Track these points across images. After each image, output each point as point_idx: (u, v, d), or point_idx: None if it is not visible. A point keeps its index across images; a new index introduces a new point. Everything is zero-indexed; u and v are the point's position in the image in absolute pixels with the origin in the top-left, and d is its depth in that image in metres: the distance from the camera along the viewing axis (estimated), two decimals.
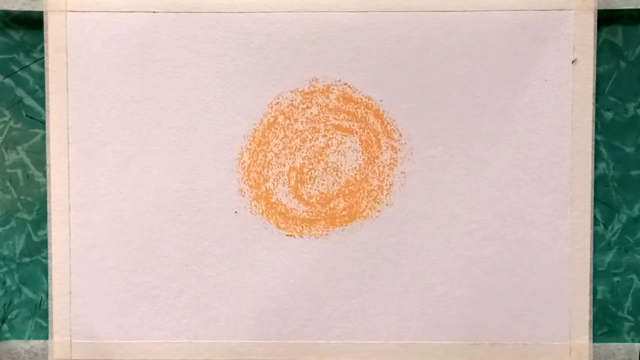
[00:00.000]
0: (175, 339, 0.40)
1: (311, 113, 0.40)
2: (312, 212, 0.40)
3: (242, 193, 0.40)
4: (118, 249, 0.40)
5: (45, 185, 0.41)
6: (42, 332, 0.41)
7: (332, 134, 0.40)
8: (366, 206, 0.40)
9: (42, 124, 0.41)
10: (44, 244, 0.41)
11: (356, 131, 0.40)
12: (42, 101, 0.40)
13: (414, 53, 0.40)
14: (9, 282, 0.41)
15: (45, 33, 0.40)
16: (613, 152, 0.41)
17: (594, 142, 0.40)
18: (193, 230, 0.40)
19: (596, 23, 0.39)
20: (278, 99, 0.40)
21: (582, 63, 0.40)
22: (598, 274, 0.41)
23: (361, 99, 0.40)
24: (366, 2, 0.40)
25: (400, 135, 0.40)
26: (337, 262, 0.41)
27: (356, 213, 0.40)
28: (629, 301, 0.41)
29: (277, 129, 0.40)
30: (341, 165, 0.40)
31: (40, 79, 0.40)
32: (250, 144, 0.40)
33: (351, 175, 0.40)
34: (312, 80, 0.40)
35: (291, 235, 0.40)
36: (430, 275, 0.40)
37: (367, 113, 0.40)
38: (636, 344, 0.41)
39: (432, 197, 0.40)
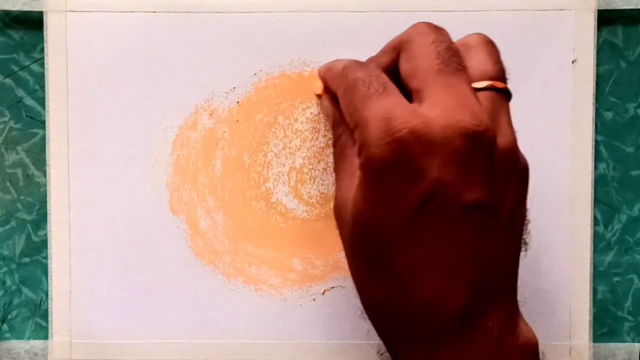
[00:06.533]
0: (175, 339, 0.40)
1: (311, 113, 0.40)
2: (312, 212, 0.40)
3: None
4: (118, 249, 0.40)
5: (45, 185, 0.41)
6: (42, 332, 0.41)
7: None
8: None
9: (42, 124, 0.41)
10: (44, 244, 0.41)
11: None
12: (42, 101, 0.40)
13: None
14: (9, 282, 0.41)
15: (45, 33, 0.40)
16: (613, 152, 0.41)
17: (594, 142, 0.40)
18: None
19: (596, 23, 0.39)
20: (279, 99, 0.40)
21: (582, 63, 0.40)
22: (598, 274, 0.41)
23: None
24: (366, 2, 0.40)
25: None
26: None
27: None
28: (629, 301, 0.41)
29: (277, 129, 0.40)
30: None
31: (40, 79, 0.40)
32: (250, 144, 0.40)
33: None
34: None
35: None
36: None
37: None
38: (636, 344, 0.41)
39: None
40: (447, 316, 0.27)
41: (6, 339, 0.41)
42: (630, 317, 0.41)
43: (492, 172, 0.27)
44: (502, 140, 0.28)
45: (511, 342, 0.29)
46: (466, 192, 0.26)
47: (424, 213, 0.26)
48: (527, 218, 0.31)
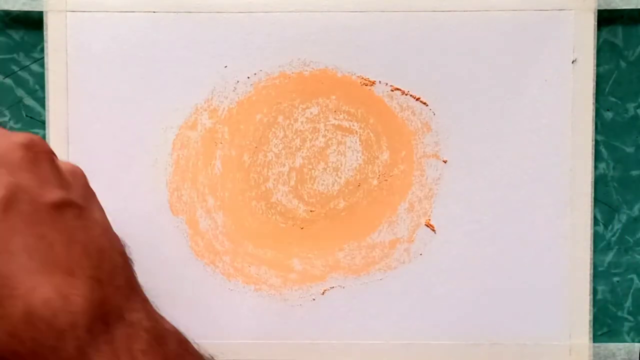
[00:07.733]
0: None
1: (311, 113, 0.40)
2: (312, 212, 0.40)
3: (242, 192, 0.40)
4: None
5: None
6: None
7: (332, 134, 0.40)
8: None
9: (42, 124, 0.41)
10: None
11: (356, 131, 0.40)
12: (42, 101, 0.40)
13: (414, 53, 0.40)
14: None
15: (45, 33, 0.40)
16: (613, 152, 0.41)
17: (594, 142, 0.40)
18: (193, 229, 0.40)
19: (596, 23, 0.39)
20: (279, 99, 0.40)
21: (582, 63, 0.40)
22: (598, 274, 0.41)
23: (362, 98, 0.40)
24: (366, 2, 0.40)
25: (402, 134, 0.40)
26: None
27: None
28: (629, 301, 0.41)
29: (277, 129, 0.40)
30: (341, 165, 0.40)
31: (40, 79, 0.40)
32: (250, 144, 0.40)
33: (351, 176, 0.40)
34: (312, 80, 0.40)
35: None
36: (430, 275, 0.40)
37: (367, 113, 0.40)
38: (636, 344, 0.41)
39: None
40: (76, 313, 0.27)
41: None
42: (630, 317, 0.41)
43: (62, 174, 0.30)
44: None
45: (168, 327, 0.31)
46: (47, 192, 0.29)
47: (10, 217, 0.28)
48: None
